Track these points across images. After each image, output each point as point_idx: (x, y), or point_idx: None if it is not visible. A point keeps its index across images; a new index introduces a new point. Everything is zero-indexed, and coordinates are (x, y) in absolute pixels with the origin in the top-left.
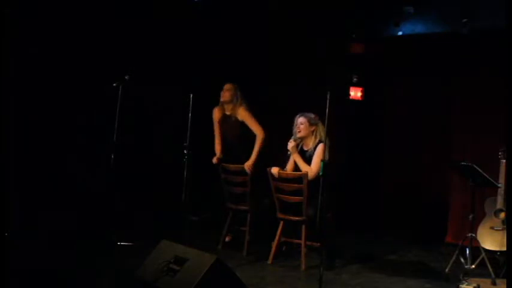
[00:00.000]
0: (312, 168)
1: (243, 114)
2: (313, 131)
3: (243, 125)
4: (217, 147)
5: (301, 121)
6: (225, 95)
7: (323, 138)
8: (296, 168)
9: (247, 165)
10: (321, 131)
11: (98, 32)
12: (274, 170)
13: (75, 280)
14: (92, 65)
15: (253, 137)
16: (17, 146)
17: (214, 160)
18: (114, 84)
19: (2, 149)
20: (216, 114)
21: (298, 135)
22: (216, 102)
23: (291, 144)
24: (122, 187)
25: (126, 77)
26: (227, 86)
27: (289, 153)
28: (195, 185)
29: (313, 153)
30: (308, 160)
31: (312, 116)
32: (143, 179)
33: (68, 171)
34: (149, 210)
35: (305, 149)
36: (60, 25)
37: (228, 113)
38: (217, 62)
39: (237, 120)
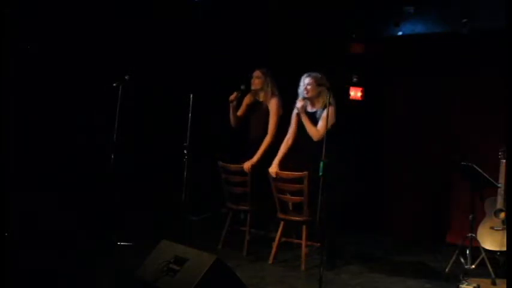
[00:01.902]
0: (318, 130)
1: (272, 107)
2: (320, 92)
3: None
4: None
5: (308, 82)
6: (256, 82)
7: (331, 100)
8: (299, 130)
9: (246, 165)
10: (327, 90)
11: (98, 32)
12: (272, 170)
13: (75, 280)
14: (92, 65)
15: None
16: (17, 146)
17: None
18: (114, 84)
19: (2, 149)
20: (246, 100)
21: (306, 95)
22: (215, 102)
23: (300, 104)
24: (122, 187)
25: (126, 77)
26: (257, 73)
27: (296, 111)
28: (195, 185)
29: (320, 113)
30: (315, 122)
31: (319, 76)
32: (143, 179)
33: (68, 171)
34: (149, 210)
35: (311, 110)
36: (60, 25)
37: (260, 99)
38: (217, 62)
39: (267, 108)
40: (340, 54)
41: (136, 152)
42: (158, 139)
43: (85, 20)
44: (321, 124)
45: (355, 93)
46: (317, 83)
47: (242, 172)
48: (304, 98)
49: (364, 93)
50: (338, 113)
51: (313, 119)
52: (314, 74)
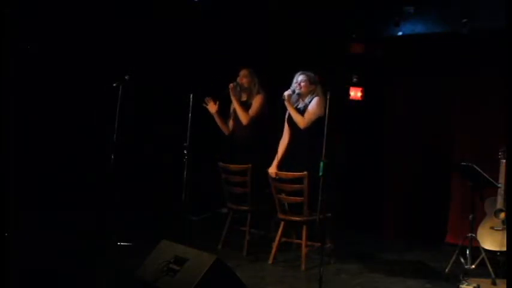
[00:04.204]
0: (304, 118)
1: (255, 102)
2: (311, 91)
3: (258, 118)
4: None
5: (301, 79)
6: (243, 81)
7: (320, 93)
8: (290, 136)
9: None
10: (319, 91)
11: (98, 31)
12: (272, 171)
13: (75, 280)
14: (92, 65)
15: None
16: (17, 146)
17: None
18: (114, 84)
19: (2, 149)
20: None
21: (298, 91)
22: (215, 101)
23: (287, 92)
24: (122, 187)
25: (126, 77)
26: (243, 72)
27: (284, 98)
28: (195, 185)
29: (308, 104)
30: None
31: (313, 75)
32: (143, 179)
33: (68, 171)
34: (149, 210)
35: (299, 106)
36: (60, 25)
37: (245, 99)
38: (217, 61)
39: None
40: (340, 54)
41: (137, 152)
42: (158, 139)
43: (85, 20)
44: (308, 112)
45: (355, 93)
46: (310, 82)
47: (242, 172)
48: (295, 93)
49: (364, 93)
50: (338, 113)
51: (301, 113)
52: (308, 73)
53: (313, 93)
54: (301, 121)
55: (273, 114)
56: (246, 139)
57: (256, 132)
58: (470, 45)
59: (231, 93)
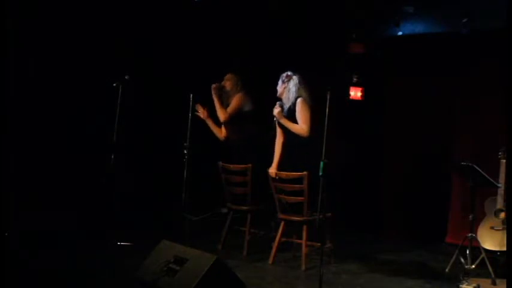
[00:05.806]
0: (302, 127)
1: (233, 100)
2: (284, 88)
3: (241, 116)
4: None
5: (278, 83)
6: (226, 84)
7: (302, 94)
8: (284, 135)
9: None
10: (292, 85)
11: (97, 31)
12: (272, 171)
13: (75, 280)
14: (91, 65)
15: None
16: (17, 146)
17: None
18: (114, 84)
19: (2, 148)
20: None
21: (278, 95)
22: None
23: (276, 110)
24: (122, 187)
25: (126, 77)
26: (228, 76)
27: (275, 119)
28: (195, 185)
29: (293, 108)
30: (287, 117)
31: (284, 74)
32: (143, 179)
33: (68, 171)
34: (149, 210)
35: (285, 107)
36: (60, 25)
37: (225, 101)
38: (217, 61)
39: None
40: (340, 54)
41: (137, 152)
42: (158, 139)
43: (85, 19)
44: (301, 120)
45: (355, 93)
46: (282, 82)
47: (242, 172)
48: (280, 104)
49: (364, 93)
50: (338, 113)
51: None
52: (282, 75)
53: (287, 89)
54: (302, 132)
55: (259, 114)
56: (235, 140)
57: (241, 131)
58: (470, 45)
59: (212, 92)
